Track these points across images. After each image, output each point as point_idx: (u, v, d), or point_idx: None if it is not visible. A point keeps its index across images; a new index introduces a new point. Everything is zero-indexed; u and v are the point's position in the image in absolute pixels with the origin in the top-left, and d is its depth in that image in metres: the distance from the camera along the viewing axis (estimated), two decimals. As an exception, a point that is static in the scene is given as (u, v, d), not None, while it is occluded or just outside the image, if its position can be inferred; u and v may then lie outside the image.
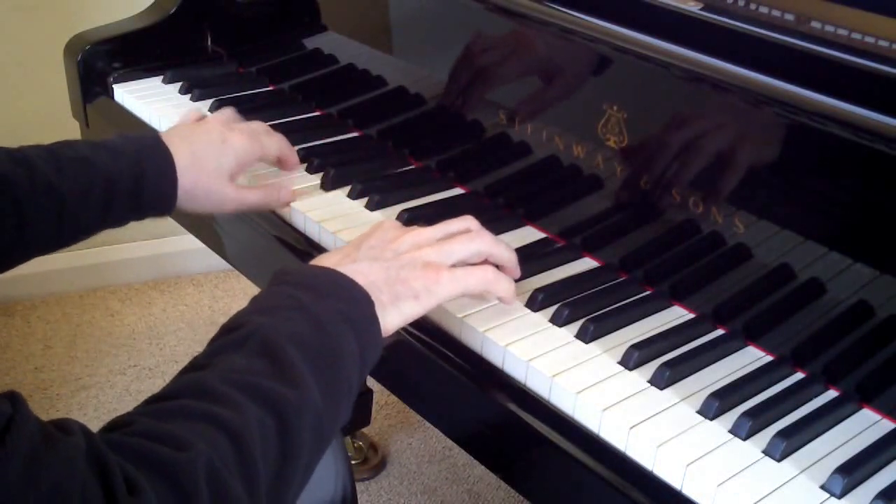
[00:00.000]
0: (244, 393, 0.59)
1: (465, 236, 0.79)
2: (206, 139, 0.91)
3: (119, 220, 0.88)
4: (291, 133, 1.03)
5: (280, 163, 1.02)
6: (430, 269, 0.74)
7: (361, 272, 0.72)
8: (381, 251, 0.75)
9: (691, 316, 0.83)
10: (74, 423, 0.52)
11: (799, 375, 0.76)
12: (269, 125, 1.01)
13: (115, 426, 0.56)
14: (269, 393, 0.60)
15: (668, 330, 0.80)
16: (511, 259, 0.81)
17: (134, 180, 0.86)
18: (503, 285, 0.78)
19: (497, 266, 0.80)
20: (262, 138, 0.96)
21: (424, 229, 0.78)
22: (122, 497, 0.49)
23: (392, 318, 0.72)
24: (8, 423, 0.47)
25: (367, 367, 0.70)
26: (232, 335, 0.64)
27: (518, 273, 0.82)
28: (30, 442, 0.48)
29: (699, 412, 0.71)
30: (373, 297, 0.70)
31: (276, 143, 0.98)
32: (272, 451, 0.59)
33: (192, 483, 0.53)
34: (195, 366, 0.63)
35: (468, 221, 0.81)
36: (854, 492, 0.65)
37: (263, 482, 0.57)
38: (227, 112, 1.01)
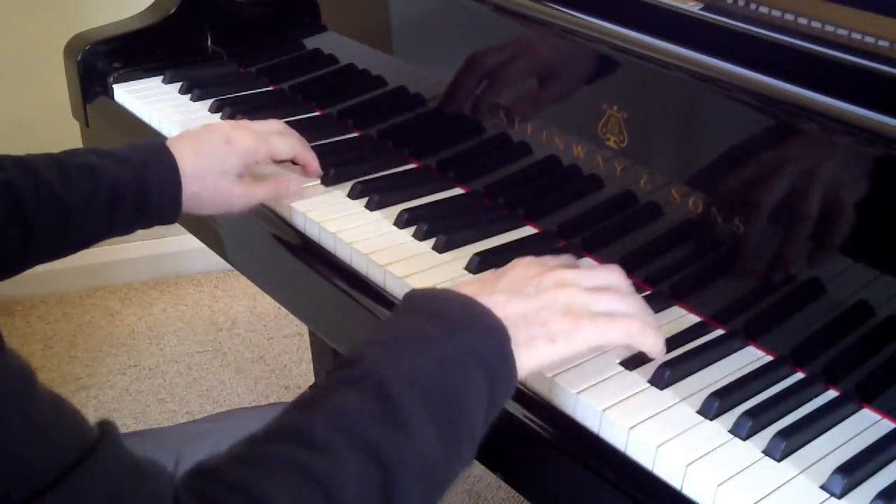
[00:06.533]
0: (348, 441, 0.56)
1: (616, 294, 0.72)
2: (210, 140, 0.91)
3: (125, 229, 0.88)
4: (291, 133, 1.03)
5: (299, 167, 1.00)
6: (570, 314, 0.68)
7: (499, 304, 0.67)
8: (522, 286, 0.70)
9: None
10: (162, 468, 0.52)
11: (799, 375, 0.76)
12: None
13: (207, 469, 0.55)
14: (376, 442, 0.56)
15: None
16: (658, 346, 0.72)
17: (138, 188, 0.85)
18: (650, 339, 0.71)
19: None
20: (270, 138, 0.95)
21: (569, 270, 0.72)
22: None
23: (526, 360, 0.66)
24: (92, 447, 0.47)
25: (495, 408, 0.65)
26: (348, 371, 0.61)
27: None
28: (116, 473, 0.48)
29: (699, 412, 0.71)
30: (509, 333, 0.66)
31: (287, 145, 0.96)
32: None
33: None
34: (305, 402, 0.60)
35: (617, 276, 0.75)
36: (854, 492, 0.65)
37: None
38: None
